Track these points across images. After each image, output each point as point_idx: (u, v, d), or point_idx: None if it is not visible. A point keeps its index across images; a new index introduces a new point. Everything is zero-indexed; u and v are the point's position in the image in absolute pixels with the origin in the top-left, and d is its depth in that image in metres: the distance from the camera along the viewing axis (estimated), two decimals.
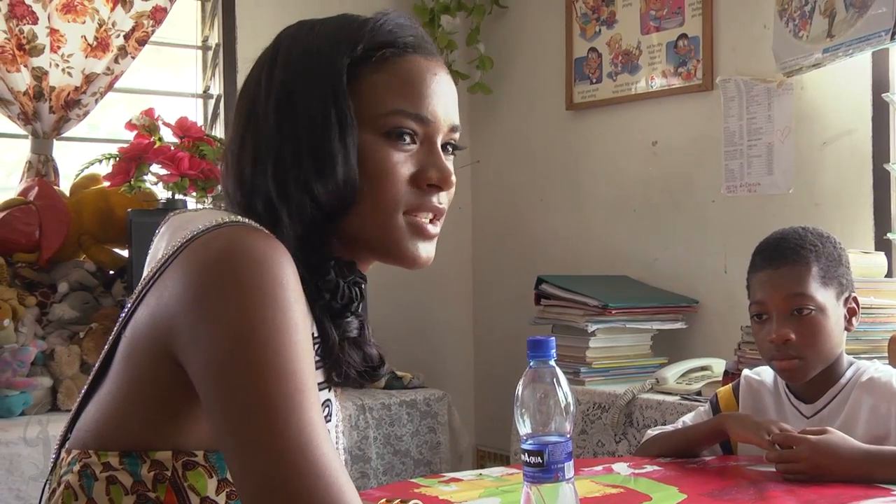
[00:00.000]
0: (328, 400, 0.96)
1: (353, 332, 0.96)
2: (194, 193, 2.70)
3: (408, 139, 0.96)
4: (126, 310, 0.91)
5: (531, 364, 1.06)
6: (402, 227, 0.96)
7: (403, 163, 0.95)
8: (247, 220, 0.90)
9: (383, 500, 1.28)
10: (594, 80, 3.16)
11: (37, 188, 2.70)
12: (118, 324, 0.92)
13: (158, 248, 0.95)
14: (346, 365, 0.95)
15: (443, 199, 0.99)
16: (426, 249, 0.98)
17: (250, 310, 0.80)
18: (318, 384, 0.88)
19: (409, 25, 0.99)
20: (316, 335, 0.92)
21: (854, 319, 1.65)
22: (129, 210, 2.61)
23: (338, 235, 0.96)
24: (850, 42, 2.27)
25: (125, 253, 2.72)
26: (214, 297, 0.81)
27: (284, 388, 0.79)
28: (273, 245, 0.85)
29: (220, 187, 2.66)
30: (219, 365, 0.80)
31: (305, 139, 0.93)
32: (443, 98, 0.98)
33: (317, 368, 0.89)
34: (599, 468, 1.59)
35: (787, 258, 1.61)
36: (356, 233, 0.96)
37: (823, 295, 1.60)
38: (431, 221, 0.98)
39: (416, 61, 0.97)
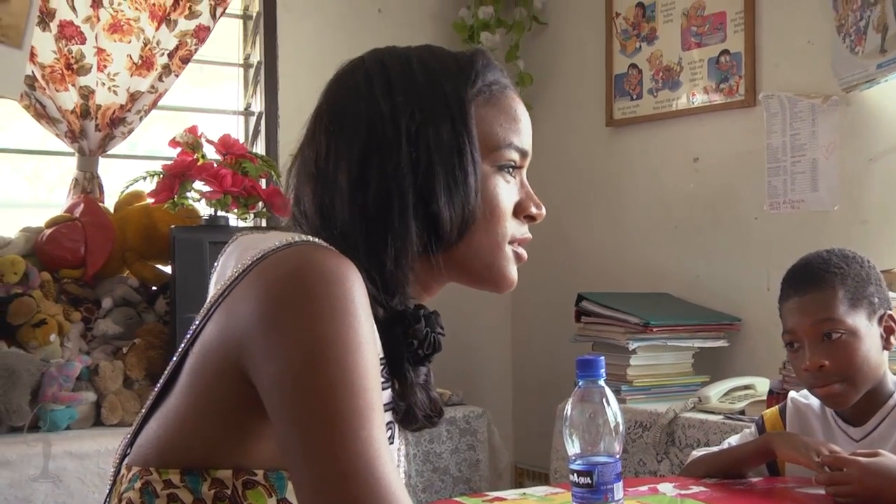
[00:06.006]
0: (391, 422, 0.96)
1: (422, 377, 0.98)
2: (236, 210, 2.72)
3: (512, 171, 1.01)
4: (193, 327, 0.92)
5: (580, 384, 1.06)
6: (509, 256, 1.01)
7: (510, 195, 1.01)
8: (317, 239, 0.90)
9: None
10: (634, 97, 3.15)
11: (82, 205, 2.74)
12: (185, 341, 0.92)
13: (227, 267, 0.96)
14: (416, 408, 0.97)
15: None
16: (517, 273, 1.03)
17: (322, 325, 0.81)
18: (384, 405, 0.89)
19: (500, 66, 1.05)
20: (382, 357, 0.92)
21: (892, 338, 1.62)
22: (173, 227, 2.63)
23: (430, 264, 0.98)
24: None
25: (168, 269, 2.75)
26: (287, 313, 0.82)
27: (354, 405, 0.80)
28: (344, 263, 0.86)
29: (261, 204, 2.72)
30: (290, 379, 0.81)
31: (442, 169, 0.95)
32: (531, 131, 1.04)
33: (383, 389, 0.90)
34: (645, 488, 1.58)
35: (812, 284, 1.59)
36: (461, 261, 0.99)
37: (853, 317, 1.57)
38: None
39: (515, 98, 1.04)
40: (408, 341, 0.94)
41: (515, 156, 1.01)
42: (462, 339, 3.47)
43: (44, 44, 2.73)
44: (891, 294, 1.70)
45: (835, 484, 1.46)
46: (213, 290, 0.94)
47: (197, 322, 0.91)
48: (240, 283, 0.87)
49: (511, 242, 1.01)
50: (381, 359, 0.92)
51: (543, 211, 1.04)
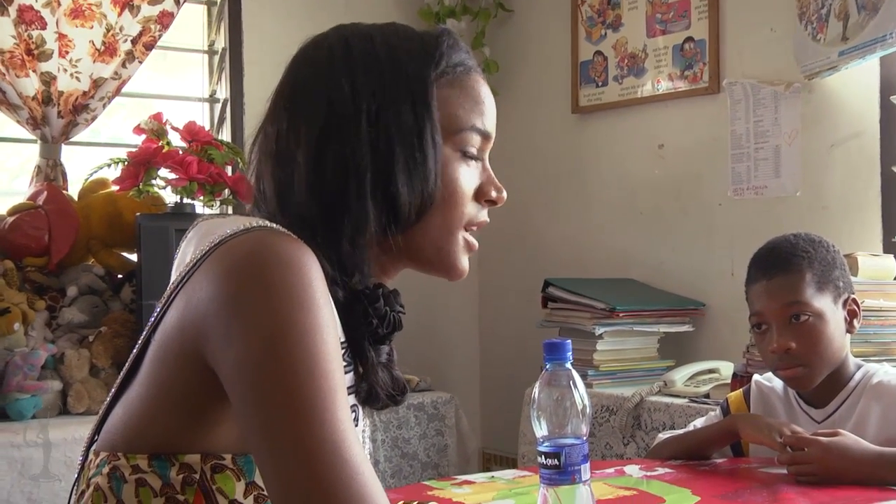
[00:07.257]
0: (355, 405, 0.96)
1: (383, 356, 0.98)
2: (202, 197, 2.70)
3: (475, 154, 1.00)
4: (155, 314, 0.91)
5: (547, 367, 1.07)
6: (461, 242, 1.00)
7: (471, 178, 1.00)
8: (275, 224, 0.90)
9: (400, 502, 1.29)
10: (600, 84, 3.17)
11: (46, 193, 2.71)
12: (147, 328, 0.92)
13: (186, 253, 0.95)
14: (378, 387, 0.97)
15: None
16: (468, 262, 1.03)
17: (281, 310, 0.81)
18: (347, 388, 0.89)
19: (466, 46, 1.03)
20: (343, 340, 0.92)
21: (855, 321, 1.65)
22: (138, 214, 2.61)
23: (388, 246, 0.97)
24: (862, 45, 2.28)
25: (134, 257, 2.73)
26: (244, 299, 0.81)
27: (317, 387, 0.80)
28: (301, 247, 0.85)
29: (227, 191, 2.70)
30: (251, 365, 0.80)
31: (401, 150, 0.94)
32: (495, 114, 1.03)
33: (345, 373, 0.90)
34: (611, 470, 1.60)
35: (779, 267, 1.62)
36: (415, 245, 0.98)
37: (819, 300, 1.60)
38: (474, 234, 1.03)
39: (479, 80, 1.02)
40: (367, 320, 0.93)
41: (477, 139, 1.00)
42: (430, 325, 3.48)
43: (2, 28, 2.69)
44: (852, 278, 1.73)
45: (796, 463, 1.49)
46: (174, 276, 0.93)
47: (158, 309, 0.91)
48: (198, 269, 0.86)
49: (468, 227, 1.01)
50: (343, 342, 0.92)
51: (504, 194, 1.02)
